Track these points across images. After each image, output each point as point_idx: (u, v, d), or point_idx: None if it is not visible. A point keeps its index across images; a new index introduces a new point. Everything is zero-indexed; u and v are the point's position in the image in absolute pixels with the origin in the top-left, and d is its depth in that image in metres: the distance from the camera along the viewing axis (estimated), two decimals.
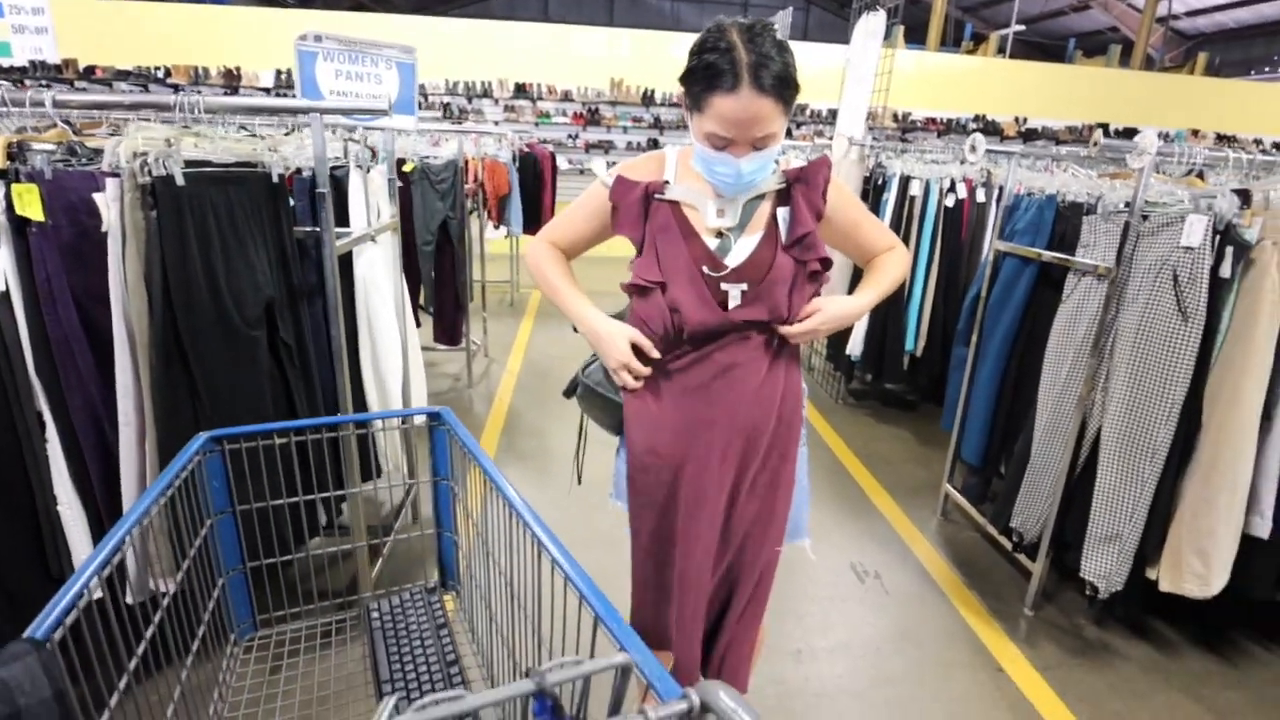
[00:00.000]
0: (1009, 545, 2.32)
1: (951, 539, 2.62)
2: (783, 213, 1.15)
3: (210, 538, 1.06)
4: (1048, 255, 2.20)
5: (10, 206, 1.25)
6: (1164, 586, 1.85)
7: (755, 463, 1.22)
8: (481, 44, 8.22)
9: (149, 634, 0.81)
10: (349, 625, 1.25)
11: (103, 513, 1.47)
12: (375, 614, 1.21)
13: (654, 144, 8.41)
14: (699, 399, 1.17)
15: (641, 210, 1.16)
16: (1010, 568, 2.42)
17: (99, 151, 1.53)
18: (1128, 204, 1.88)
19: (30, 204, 1.25)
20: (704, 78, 1.01)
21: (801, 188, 1.15)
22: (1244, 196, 1.75)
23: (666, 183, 1.17)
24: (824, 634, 2.08)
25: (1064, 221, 2.26)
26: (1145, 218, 1.84)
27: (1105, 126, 8.82)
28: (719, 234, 1.15)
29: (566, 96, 8.29)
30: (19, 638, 0.57)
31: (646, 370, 1.17)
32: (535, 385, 4.07)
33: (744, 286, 1.11)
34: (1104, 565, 1.90)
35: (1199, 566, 1.80)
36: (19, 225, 1.29)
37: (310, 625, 1.21)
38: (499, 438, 3.33)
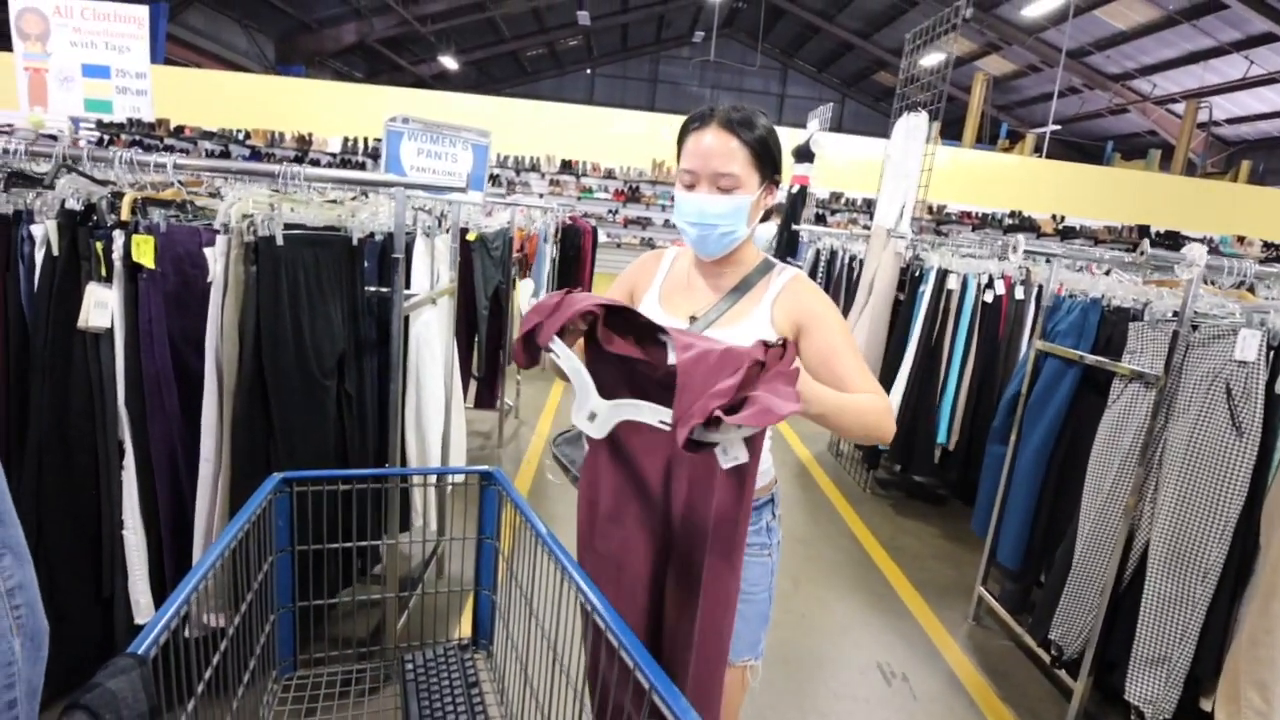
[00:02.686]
0: (1047, 659, 2.22)
1: (984, 646, 2.51)
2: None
3: (269, 574, 1.10)
4: (1091, 359, 2.20)
5: (128, 254, 1.39)
6: None
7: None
8: (532, 122, 8.79)
9: (215, 661, 0.85)
10: (382, 674, 1.26)
11: (164, 541, 1.53)
12: (410, 666, 1.22)
13: None
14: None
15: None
16: (1049, 684, 2.30)
17: (204, 209, 1.70)
18: (1176, 313, 1.88)
19: (145, 253, 1.39)
20: (685, 126, 1.17)
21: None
22: None
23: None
24: None
25: (1109, 326, 2.26)
26: (1195, 328, 1.83)
27: (1146, 228, 8.86)
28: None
29: (609, 174, 8.73)
30: (124, 652, 0.62)
31: None
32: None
33: None
34: (1151, 689, 1.80)
35: (1258, 701, 1.68)
36: (132, 271, 1.43)
37: (346, 670, 1.23)
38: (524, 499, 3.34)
